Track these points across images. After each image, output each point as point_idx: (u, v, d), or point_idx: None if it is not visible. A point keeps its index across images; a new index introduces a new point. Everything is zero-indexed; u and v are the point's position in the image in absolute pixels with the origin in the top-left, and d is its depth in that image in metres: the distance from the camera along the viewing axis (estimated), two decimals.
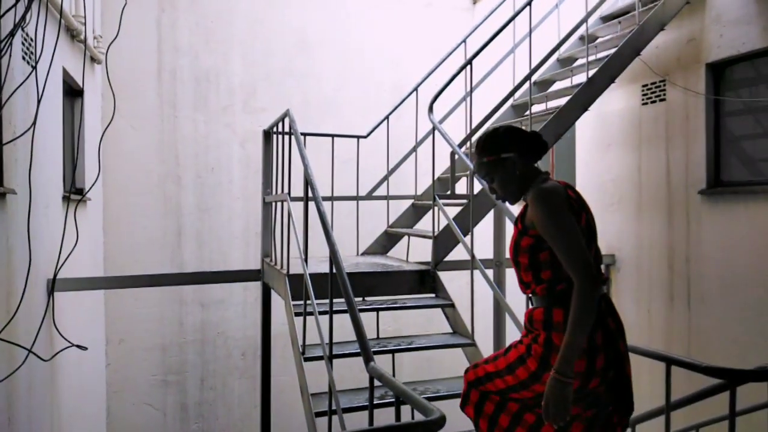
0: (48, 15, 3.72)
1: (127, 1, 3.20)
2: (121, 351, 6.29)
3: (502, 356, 2.03)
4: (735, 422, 2.09)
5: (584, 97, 3.97)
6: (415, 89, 4.72)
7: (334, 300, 2.80)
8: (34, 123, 2.52)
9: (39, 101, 2.76)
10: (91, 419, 5.67)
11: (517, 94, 4.87)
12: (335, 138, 4.78)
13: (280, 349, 5.66)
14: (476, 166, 2.04)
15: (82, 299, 4.84)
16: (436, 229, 3.72)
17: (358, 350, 2.14)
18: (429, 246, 3.67)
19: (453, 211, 3.63)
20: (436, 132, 3.70)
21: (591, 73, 4.01)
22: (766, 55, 4.03)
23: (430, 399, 2.65)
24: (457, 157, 3.58)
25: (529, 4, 3.94)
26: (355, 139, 4.65)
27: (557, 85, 5.09)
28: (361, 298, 3.34)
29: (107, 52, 4.95)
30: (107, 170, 6.16)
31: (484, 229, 3.77)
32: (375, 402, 2.00)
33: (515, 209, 2.43)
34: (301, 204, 3.07)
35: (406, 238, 4.43)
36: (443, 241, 3.60)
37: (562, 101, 4.16)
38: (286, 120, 3.22)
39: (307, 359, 2.66)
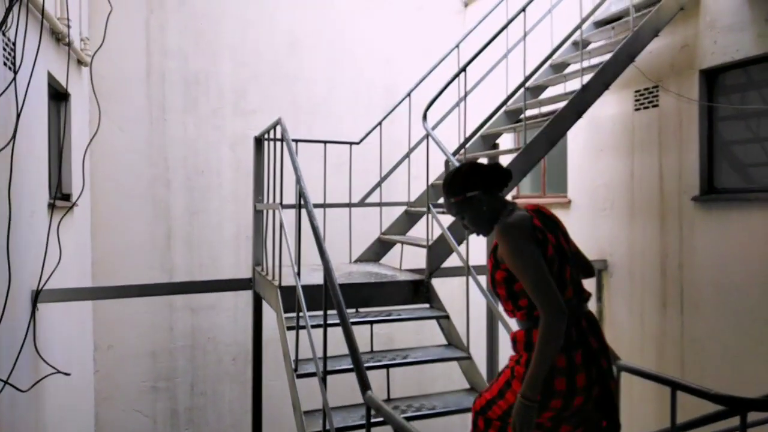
0: (31, 18, 3.63)
1: (113, 5, 3.11)
2: (109, 357, 6.20)
3: (496, 381, 2.08)
4: None
5: (579, 104, 3.94)
6: (408, 95, 4.68)
7: (329, 312, 2.76)
8: (14, 135, 2.44)
9: (19, 115, 2.67)
10: (79, 426, 5.58)
11: (510, 100, 4.85)
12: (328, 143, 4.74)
13: (271, 353, 5.61)
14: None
15: (69, 305, 4.75)
16: (430, 238, 3.68)
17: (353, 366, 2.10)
18: (422, 251, 3.63)
19: (447, 219, 3.59)
20: (430, 139, 3.65)
21: (586, 79, 3.98)
22: (760, 62, 4.03)
23: (426, 416, 2.62)
24: (450, 165, 3.54)
25: (523, 10, 3.90)
26: (347, 145, 4.58)
27: (550, 91, 5.06)
28: (354, 310, 3.29)
29: (94, 55, 4.86)
30: (95, 174, 6.07)
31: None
32: (372, 420, 1.96)
33: None
34: (293, 211, 3.02)
35: (399, 244, 4.39)
36: (437, 251, 3.55)
37: (556, 107, 4.13)
38: (278, 127, 3.16)
39: (300, 376, 2.61)
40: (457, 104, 4.54)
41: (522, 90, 4.44)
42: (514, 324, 2.21)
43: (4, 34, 2.89)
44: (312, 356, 2.47)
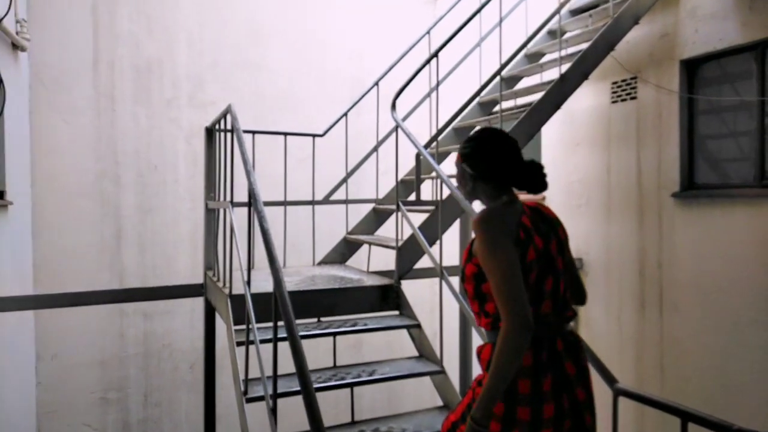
0: None
1: None
2: (53, 368, 5.71)
3: (460, 402, 1.81)
4: None
5: (557, 95, 3.70)
6: (376, 84, 4.36)
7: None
8: None
9: None
10: None
11: (484, 91, 4.58)
12: (291, 136, 4.39)
13: (228, 359, 5.24)
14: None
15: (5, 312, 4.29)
16: (400, 239, 3.38)
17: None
18: (392, 251, 3.33)
19: (418, 218, 3.30)
20: (400, 131, 3.35)
21: (563, 69, 3.74)
22: (744, 52, 3.85)
23: None
24: (422, 158, 3.25)
25: None
26: (311, 138, 4.24)
27: (525, 82, 4.82)
28: (316, 320, 2.96)
29: (33, 39, 4.39)
30: (37, 170, 5.57)
31: (449, 233, 3.45)
32: None
33: None
34: (246, 210, 2.66)
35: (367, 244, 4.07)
36: (408, 252, 3.26)
37: (531, 98, 3.88)
38: (230, 117, 2.81)
39: (249, 400, 2.27)
40: (429, 94, 4.24)
41: (497, 79, 4.18)
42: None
43: None
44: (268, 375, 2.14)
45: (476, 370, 4.52)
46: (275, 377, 1.95)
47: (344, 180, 4.35)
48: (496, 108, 4.37)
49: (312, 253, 4.13)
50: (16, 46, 5.03)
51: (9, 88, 4.77)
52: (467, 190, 1.85)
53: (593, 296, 5.15)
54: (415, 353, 2.99)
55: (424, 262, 3.49)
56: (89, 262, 5.77)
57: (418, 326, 2.96)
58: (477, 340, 2.82)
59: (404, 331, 3.11)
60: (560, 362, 1.65)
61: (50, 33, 5.59)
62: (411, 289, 3.88)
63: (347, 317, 3.04)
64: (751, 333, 3.79)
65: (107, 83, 5.91)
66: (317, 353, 3.22)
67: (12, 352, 4.95)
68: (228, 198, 2.83)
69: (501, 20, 3.81)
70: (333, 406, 3.38)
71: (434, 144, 3.56)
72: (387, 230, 4.32)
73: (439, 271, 2.82)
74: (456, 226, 3.42)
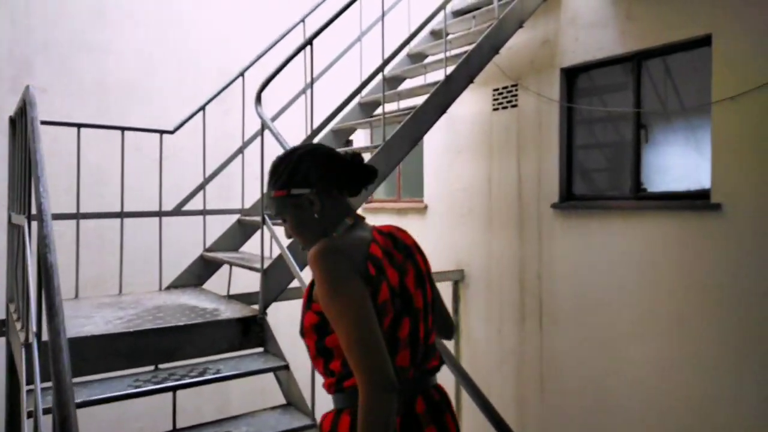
0: None
1: None
2: None
3: None
4: None
5: (443, 96, 3.40)
6: (242, 74, 3.77)
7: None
8: None
9: None
10: None
11: (365, 91, 4.19)
12: (145, 133, 3.65)
13: None
14: (266, 201, 1.51)
15: None
16: (267, 257, 2.84)
17: None
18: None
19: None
20: (267, 131, 2.81)
21: (449, 70, 3.45)
22: (622, 62, 3.84)
23: None
24: None
25: None
26: (158, 135, 3.53)
27: (408, 83, 4.51)
28: (152, 367, 2.32)
29: None
30: None
31: None
32: None
33: None
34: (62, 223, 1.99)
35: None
36: (275, 276, 2.73)
37: (416, 101, 3.56)
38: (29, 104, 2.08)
39: None
40: (304, 90, 3.75)
41: (379, 78, 3.80)
42: None
43: None
44: None
45: None
46: None
47: (201, 187, 3.68)
48: (379, 110, 3.99)
49: (159, 276, 3.41)
50: None
51: None
52: (313, 225, 1.37)
53: (474, 308, 4.98)
54: (283, 401, 2.47)
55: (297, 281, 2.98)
56: None
57: (286, 367, 2.44)
58: None
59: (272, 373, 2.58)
60: (419, 429, 1.29)
61: None
62: (282, 311, 3.35)
63: (197, 360, 2.43)
64: (628, 347, 3.77)
65: None
66: (161, 411, 2.58)
67: None
68: (25, 212, 2.10)
69: (384, 14, 3.43)
70: None
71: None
72: (254, 246, 3.73)
73: None
74: None
